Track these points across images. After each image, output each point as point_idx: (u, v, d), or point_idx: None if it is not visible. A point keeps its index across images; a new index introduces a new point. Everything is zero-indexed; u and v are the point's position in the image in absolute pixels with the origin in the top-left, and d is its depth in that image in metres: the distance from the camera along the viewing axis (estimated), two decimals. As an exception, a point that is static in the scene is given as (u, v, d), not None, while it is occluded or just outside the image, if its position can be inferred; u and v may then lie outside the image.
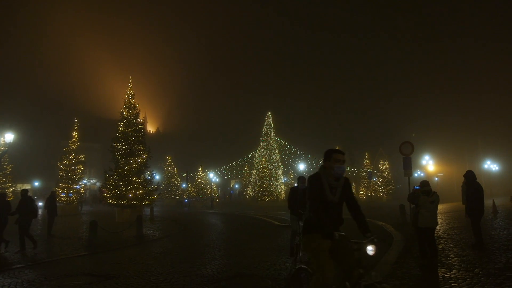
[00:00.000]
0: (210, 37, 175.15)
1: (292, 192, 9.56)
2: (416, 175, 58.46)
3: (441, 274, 7.34)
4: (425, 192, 8.58)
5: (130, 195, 23.92)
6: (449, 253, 9.39)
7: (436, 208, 8.62)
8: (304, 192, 8.32)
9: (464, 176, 9.94)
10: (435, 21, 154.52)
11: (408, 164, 18.13)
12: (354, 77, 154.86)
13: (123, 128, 25.31)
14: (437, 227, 14.69)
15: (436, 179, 69.33)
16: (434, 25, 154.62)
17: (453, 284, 6.56)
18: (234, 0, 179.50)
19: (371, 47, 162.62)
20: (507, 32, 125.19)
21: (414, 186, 10.66)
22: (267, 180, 50.04)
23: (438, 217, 8.99)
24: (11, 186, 39.17)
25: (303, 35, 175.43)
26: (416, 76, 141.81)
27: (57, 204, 20.09)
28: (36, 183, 62.25)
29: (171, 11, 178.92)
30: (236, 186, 76.55)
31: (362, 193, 58.68)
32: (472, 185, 9.70)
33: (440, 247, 10.16)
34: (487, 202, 22.48)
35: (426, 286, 6.78)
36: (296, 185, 10.25)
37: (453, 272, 7.39)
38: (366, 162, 58.55)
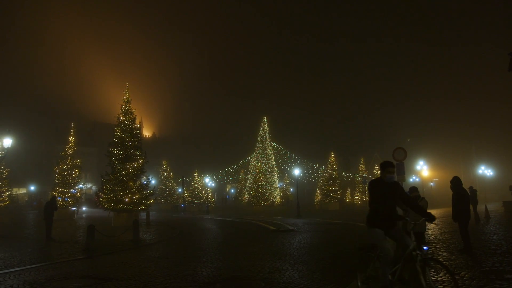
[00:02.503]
0: (207, 43, 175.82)
1: (378, 188, 5.71)
2: (411, 180, 58.88)
3: (428, 277, 7.60)
4: (414, 197, 8.88)
5: (127, 199, 24.04)
6: (438, 257, 9.67)
7: (425, 213, 8.90)
8: (398, 189, 5.69)
9: (450, 182, 10.27)
10: (431, 28, 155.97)
11: (401, 170, 18.39)
12: (350, 82, 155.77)
13: (120, 133, 25.47)
14: (429, 232, 15.02)
15: (431, 184, 69.84)
16: (430, 33, 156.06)
17: (438, 287, 6.84)
18: (231, 7, 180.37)
19: (368, 53, 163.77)
20: (502, 40, 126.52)
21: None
22: (263, 185, 50.22)
23: (428, 222, 9.25)
24: (7, 190, 39.06)
25: (299, 42, 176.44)
26: (412, 82, 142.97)
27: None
28: (32, 187, 62.15)
29: (168, 18, 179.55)
30: (232, 191, 76.67)
31: (357, 198, 58.95)
32: (457, 191, 10.03)
33: (430, 251, 10.44)
34: (480, 207, 22.89)
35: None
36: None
37: (440, 275, 7.66)
38: (361, 167, 58.81)
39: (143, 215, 26.43)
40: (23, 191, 65.36)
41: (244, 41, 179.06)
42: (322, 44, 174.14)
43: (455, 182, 10.09)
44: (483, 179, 66.20)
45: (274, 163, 56.84)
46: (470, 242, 10.01)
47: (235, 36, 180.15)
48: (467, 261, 8.99)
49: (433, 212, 23.12)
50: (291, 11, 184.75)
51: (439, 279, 7.37)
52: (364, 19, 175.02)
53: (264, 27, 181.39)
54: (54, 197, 19.31)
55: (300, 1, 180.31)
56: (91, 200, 52.09)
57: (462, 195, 9.94)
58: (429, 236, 13.72)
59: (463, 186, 10.27)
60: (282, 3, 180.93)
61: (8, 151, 21.18)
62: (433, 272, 7.92)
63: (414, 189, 9.17)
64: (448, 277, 7.40)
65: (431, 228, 16.51)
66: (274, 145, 59.07)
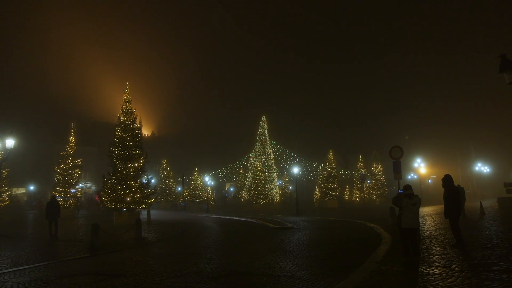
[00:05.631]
0: (205, 43, 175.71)
1: None
2: (409, 177, 59.33)
3: (421, 270, 8.02)
4: (408, 195, 9.27)
5: (128, 198, 24.40)
6: (432, 252, 10.07)
7: (418, 210, 9.31)
8: None
9: (442, 180, 10.67)
10: (430, 31, 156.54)
11: (398, 168, 18.75)
12: (349, 82, 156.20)
13: (121, 133, 25.78)
14: (424, 228, 15.44)
15: (429, 181, 70.33)
16: (429, 36, 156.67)
17: (430, 279, 7.25)
18: (230, 10, 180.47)
19: (366, 54, 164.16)
20: (493, 45, 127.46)
21: (398, 190, 11.38)
22: (262, 183, 50.61)
23: (426, 219, 9.66)
24: (7, 191, 39.38)
25: (298, 43, 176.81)
26: (411, 82, 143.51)
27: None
28: (31, 187, 62.32)
29: (166, 20, 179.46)
30: (231, 189, 77.00)
31: (355, 195, 59.42)
32: (449, 188, 10.44)
33: (424, 246, 10.85)
34: (475, 204, 23.31)
35: (405, 281, 7.45)
36: None
37: (432, 268, 8.07)
38: (360, 165, 59.23)
39: (144, 213, 26.80)
40: (22, 191, 65.51)
41: (244, 42, 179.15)
42: (323, 45, 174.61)
43: (446, 180, 10.50)
44: (479, 176, 66.79)
45: (273, 161, 57.18)
46: (461, 237, 10.42)
47: (234, 37, 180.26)
48: (458, 255, 9.40)
49: (429, 209, 23.63)
50: (291, 13, 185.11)
51: (431, 272, 7.77)
52: (364, 23, 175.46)
53: (263, 29, 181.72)
54: (54, 197, 19.66)
55: (300, 3, 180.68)
56: (92, 200, 52.29)
57: (453, 192, 10.36)
58: (424, 232, 14.13)
59: (453, 183, 10.71)
60: (282, 6, 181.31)
61: (10, 151, 21.37)
62: (426, 266, 8.33)
63: (408, 187, 9.55)
64: (439, 270, 7.81)
65: (427, 225, 16.94)
66: (273, 144, 59.39)
